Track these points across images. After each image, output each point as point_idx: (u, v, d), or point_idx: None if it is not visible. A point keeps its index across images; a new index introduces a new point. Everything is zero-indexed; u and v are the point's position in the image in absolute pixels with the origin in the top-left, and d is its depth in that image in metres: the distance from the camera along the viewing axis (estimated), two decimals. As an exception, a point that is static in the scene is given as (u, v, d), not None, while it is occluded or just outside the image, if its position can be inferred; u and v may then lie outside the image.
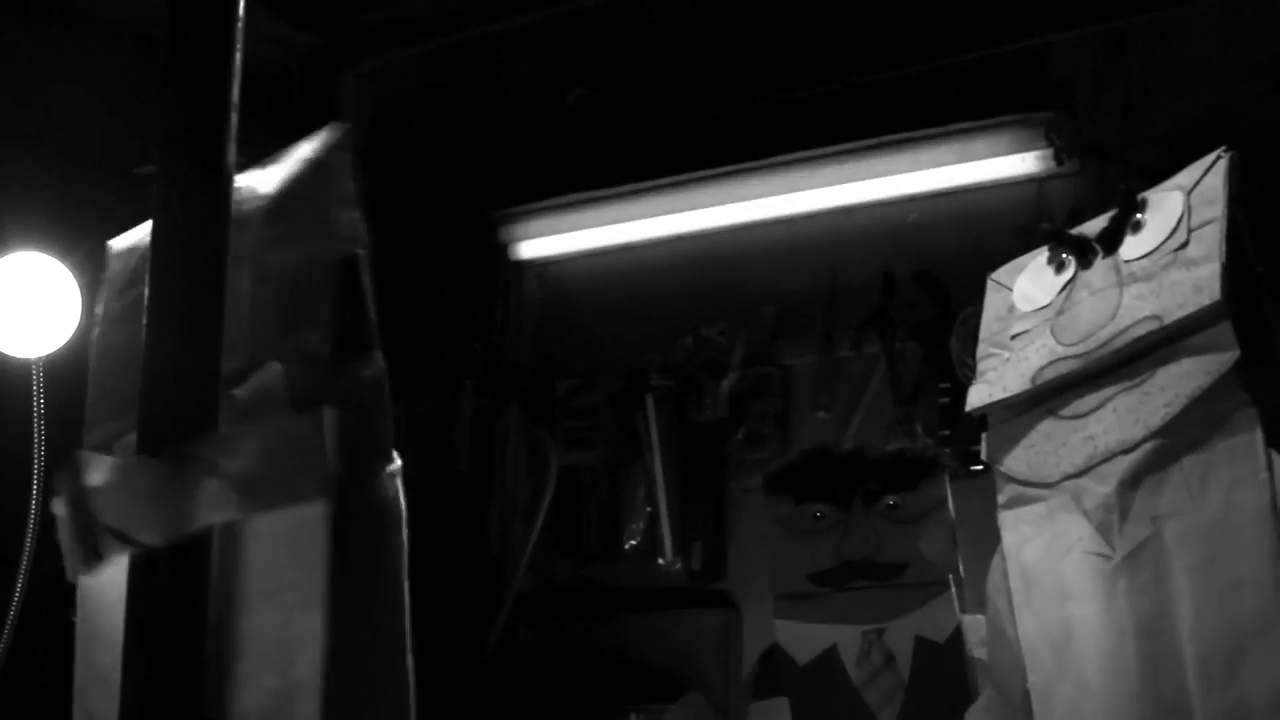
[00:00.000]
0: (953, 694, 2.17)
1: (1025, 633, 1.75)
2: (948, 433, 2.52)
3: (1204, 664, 1.53)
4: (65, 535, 1.34)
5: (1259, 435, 1.55)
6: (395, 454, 1.40)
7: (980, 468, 2.47)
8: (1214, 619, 1.53)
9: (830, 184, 2.75)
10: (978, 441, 2.45)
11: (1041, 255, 1.89)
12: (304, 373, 1.30)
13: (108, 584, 1.33)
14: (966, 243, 2.61)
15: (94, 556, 1.28)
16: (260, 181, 1.40)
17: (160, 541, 1.25)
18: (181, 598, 1.26)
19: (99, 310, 1.52)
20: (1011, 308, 1.90)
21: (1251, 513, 1.53)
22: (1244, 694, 1.50)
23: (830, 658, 2.29)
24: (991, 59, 2.63)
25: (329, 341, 1.32)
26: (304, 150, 1.40)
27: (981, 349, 1.93)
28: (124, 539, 1.26)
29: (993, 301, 1.95)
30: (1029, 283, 1.89)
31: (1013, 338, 1.87)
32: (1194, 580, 1.56)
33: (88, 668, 1.41)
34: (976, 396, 1.88)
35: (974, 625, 2.19)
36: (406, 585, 1.39)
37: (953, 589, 2.24)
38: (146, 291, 1.32)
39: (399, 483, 1.39)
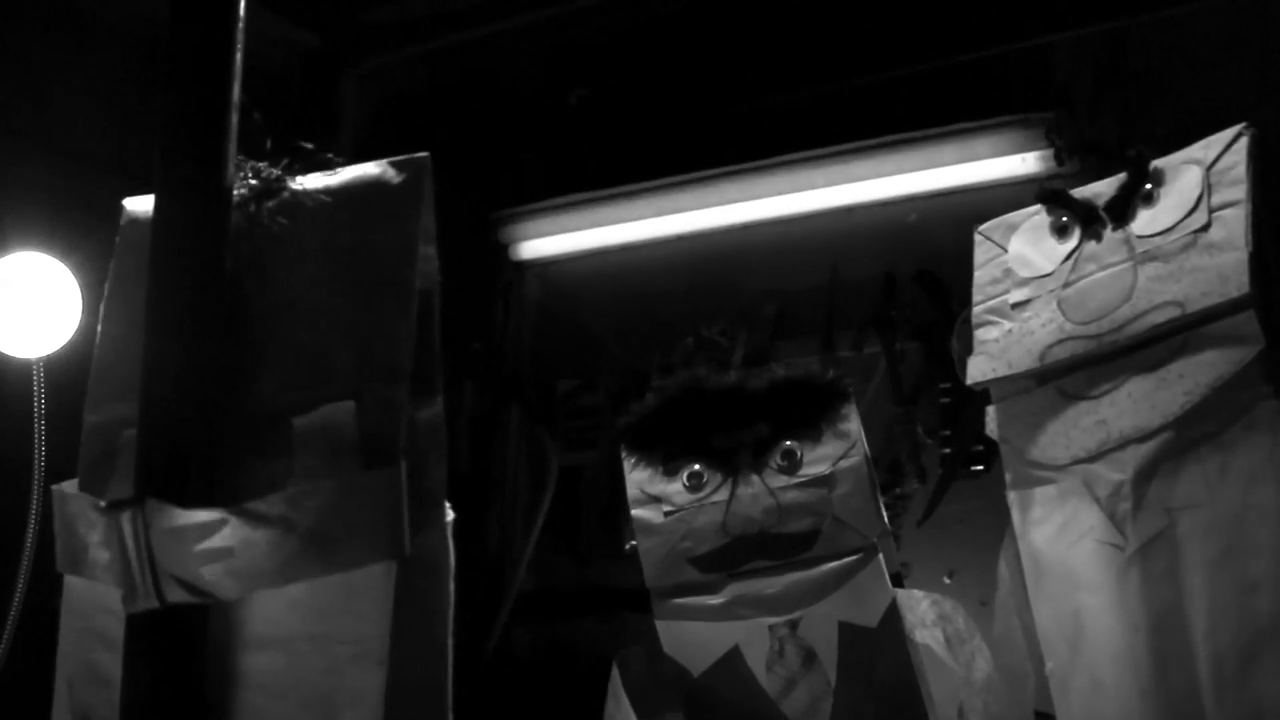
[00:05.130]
0: (895, 690, 1.79)
1: (1039, 618, 1.72)
2: (948, 433, 2.52)
3: (1217, 664, 1.51)
4: (120, 567, 1.30)
5: None
6: (448, 504, 1.37)
7: (980, 468, 2.48)
8: (1228, 619, 1.52)
9: (830, 184, 2.75)
10: (979, 442, 2.47)
11: (1038, 215, 1.81)
12: (379, 419, 1.27)
13: (101, 583, 1.32)
14: (966, 243, 2.60)
15: (156, 598, 1.26)
16: (337, 201, 1.37)
17: (235, 597, 1.24)
18: (184, 615, 1.26)
19: (109, 279, 1.49)
20: (1007, 270, 1.82)
21: (1269, 510, 1.51)
22: (1257, 696, 1.48)
23: (733, 663, 1.83)
24: (991, 59, 2.63)
25: (408, 390, 1.28)
26: (385, 173, 1.36)
27: (977, 314, 1.83)
28: (194, 591, 1.24)
29: (984, 259, 1.87)
30: (1026, 245, 1.81)
31: (1013, 306, 1.80)
32: (1208, 577, 1.54)
33: (83, 665, 1.40)
34: (978, 369, 1.78)
35: (910, 602, 1.86)
36: (451, 643, 1.35)
37: (880, 557, 1.83)
38: (147, 292, 1.32)
39: (449, 535, 1.35)
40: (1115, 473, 1.64)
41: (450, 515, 1.36)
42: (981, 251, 1.89)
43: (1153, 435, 1.61)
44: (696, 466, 1.89)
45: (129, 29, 2.66)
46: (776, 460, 1.86)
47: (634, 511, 1.92)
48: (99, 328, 1.47)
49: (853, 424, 1.88)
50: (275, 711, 1.26)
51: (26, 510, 2.18)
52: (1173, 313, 1.61)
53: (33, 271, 2.26)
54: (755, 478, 1.86)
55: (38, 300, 2.24)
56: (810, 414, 1.87)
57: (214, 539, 1.23)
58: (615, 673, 1.97)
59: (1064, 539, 1.69)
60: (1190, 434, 1.59)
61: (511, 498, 3.01)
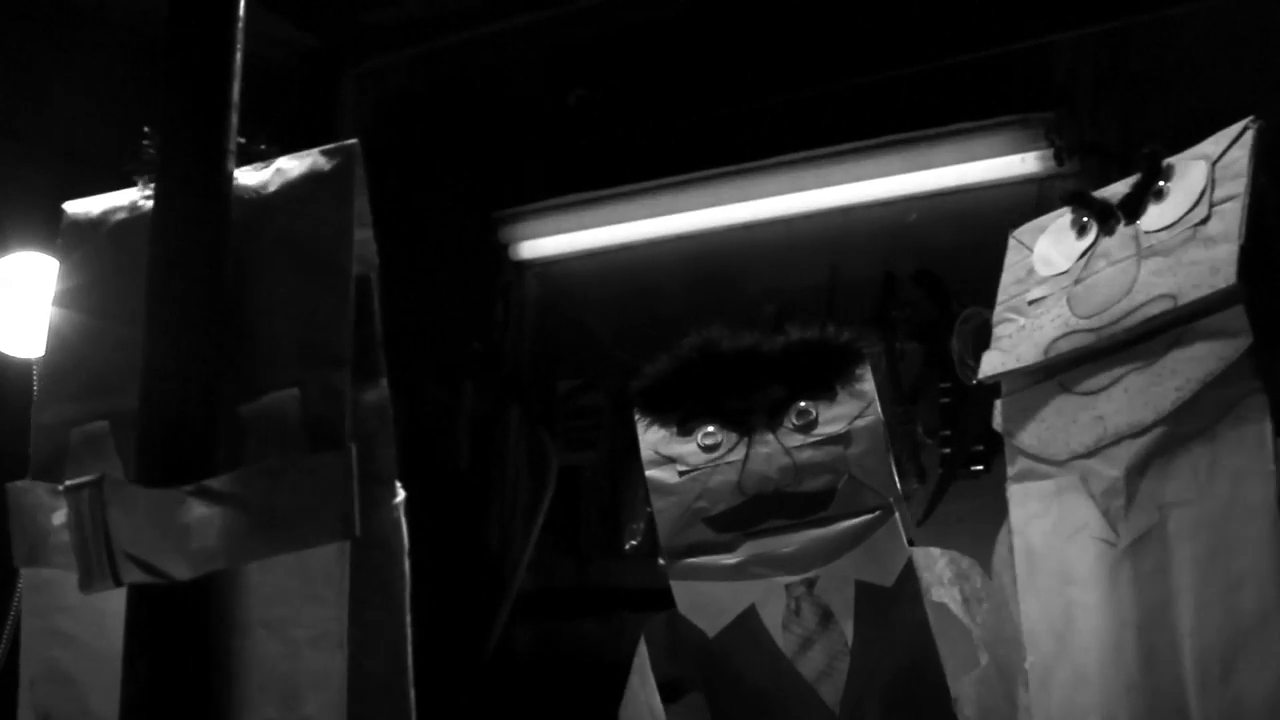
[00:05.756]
0: (911, 649, 1.80)
1: (1027, 612, 1.71)
2: (948, 433, 2.52)
3: (1202, 661, 1.51)
4: (74, 549, 1.31)
5: (1267, 425, 1.52)
6: (398, 484, 1.38)
7: (980, 468, 2.48)
8: (1214, 615, 1.52)
9: (830, 184, 2.75)
10: (979, 442, 2.47)
11: (1064, 217, 1.82)
12: (322, 405, 1.28)
13: (66, 580, 1.32)
14: (966, 243, 2.61)
15: (111, 579, 1.26)
16: (273, 192, 1.38)
17: (188, 576, 1.24)
18: (183, 603, 1.26)
19: (56, 282, 1.49)
20: (1031, 270, 1.83)
21: (1255, 507, 1.51)
22: (1239, 693, 1.48)
23: (749, 623, 1.83)
24: (991, 59, 2.63)
25: (349, 375, 1.30)
26: (317, 162, 1.38)
27: (998, 312, 1.84)
28: (149, 570, 1.24)
29: (1013, 261, 1.87)
30: (1050, 245, 1.83)
31: (1030, 303, 1.81)
32: (1196, 573, 1.54)
33: (43, 663, 1.40)
34: (989, 364, 1.79)
35: (928, 560, 1.86)
36: (409, 621, 1.36)
37: (896, 515, 1.83)
38: (145, 293, 1.32)
39: (401, 514, 1.37)
40: (1110, 469, 1.64)
41: (401, 495, 1.38)
42: (1012, 254, 1.90)
43: (1146, 431, 1.61)
44: (711, 427, 1.89)
45: (129, 29, 2.66)
46: (792, 420, 1.87)
47: (649, 473, 1.92)
48: (46, 334, 1.48)
49: (868, 384, 1.88)
50: (236, 697, 1.27)
51: (26, 510, 2.17)
52: (1166, 305, 1.61)
53: (33, 271, 2.26)
54: (771, 437, 1.86)
55: (38, 300, 2.24)
56: (825, 374, 1.87)
57: (169, 518, 1.23)
58: (642, 646, 1.96)
59: (1059, 534, 1.69)
60: (1182, 430, 1.59)
61: (511, 498, 3.01)
